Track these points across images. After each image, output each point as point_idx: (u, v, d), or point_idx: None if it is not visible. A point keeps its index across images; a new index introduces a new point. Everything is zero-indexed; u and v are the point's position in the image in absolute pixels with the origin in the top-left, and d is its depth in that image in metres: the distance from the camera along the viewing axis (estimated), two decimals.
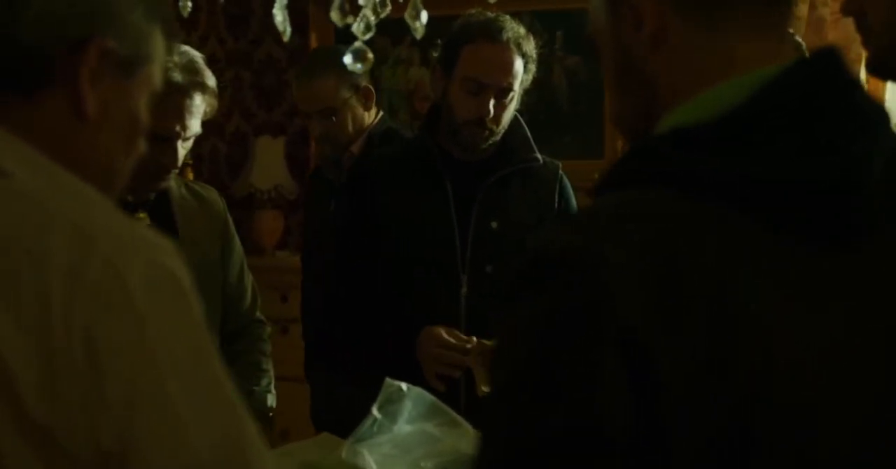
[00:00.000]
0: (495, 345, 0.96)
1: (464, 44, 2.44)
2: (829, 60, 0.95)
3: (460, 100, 2.45)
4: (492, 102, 2.43)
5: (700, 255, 0.87)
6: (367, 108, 2.84)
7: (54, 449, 0.96)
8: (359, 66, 1.74)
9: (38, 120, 1.07)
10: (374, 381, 2.07)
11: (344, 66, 2.82)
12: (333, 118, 2.74)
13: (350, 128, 2.77)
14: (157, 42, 1.17)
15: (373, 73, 5.04)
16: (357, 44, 1.73)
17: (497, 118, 2.46)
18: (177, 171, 2.24)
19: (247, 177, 5.04)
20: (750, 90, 0.93)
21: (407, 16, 1.70)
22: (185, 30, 4.93)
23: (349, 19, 1.73)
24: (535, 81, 2.54)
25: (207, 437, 1.00)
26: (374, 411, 1.99)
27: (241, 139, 5.17)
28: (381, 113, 3.07)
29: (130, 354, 0.98)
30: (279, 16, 1.71)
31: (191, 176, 4.03)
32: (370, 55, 1.75)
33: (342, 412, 2.28)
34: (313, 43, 4.88)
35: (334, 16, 1.64)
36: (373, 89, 2.88)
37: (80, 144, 1.10)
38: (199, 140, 2.30)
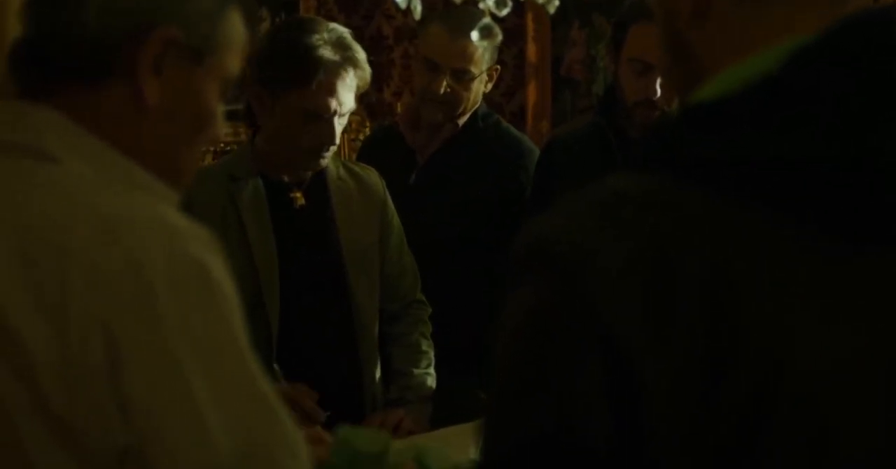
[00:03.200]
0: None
1: (629, 24, 2.41)
2: (879, 24, 0.82)
3: (629, 81, 2.41)
4: (659, 81, 2.36)
5: (701, 253, 0.77)
6: (487, 88, 2.75)
7: (73, 439, 0.96)
8: (485, 43, 1.68)
9: (100, 107, 1.07)
10: None
11: (495, 35, 2.74)
12: (465, 82, 2.65)
13: (472, 99, 2.69)
14: (232, 28, 1.14)
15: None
16: (486, 20, 1.67)
17: (668, 97, 2.37)
18: (335, 148, 2.25)
19: None
20: (780, 60, 0.81)
21: None
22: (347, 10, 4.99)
23: None
24: None
25: (231, 436, 0.98)
26: None
27: None
28: None
29: (150, 351, 0.96)
30: None
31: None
32: (497, 32, 1.68)
33: None
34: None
35: None
36: (499, 69, 2.79)
37: (143, 132, 1.10)
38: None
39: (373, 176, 2.42)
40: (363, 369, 2.33)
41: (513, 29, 4.86)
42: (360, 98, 4.81)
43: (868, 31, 0.81)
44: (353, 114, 4.67)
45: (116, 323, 0.95)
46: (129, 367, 0.95)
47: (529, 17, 4.83)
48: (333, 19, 5.10)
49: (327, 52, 2.13)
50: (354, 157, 3.41)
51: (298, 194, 2.26)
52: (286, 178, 2.26)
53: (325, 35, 2.15)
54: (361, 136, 4.32)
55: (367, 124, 4.70)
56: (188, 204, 2.02)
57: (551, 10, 1.75)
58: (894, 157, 0.76)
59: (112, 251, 0.97)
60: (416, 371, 2.40)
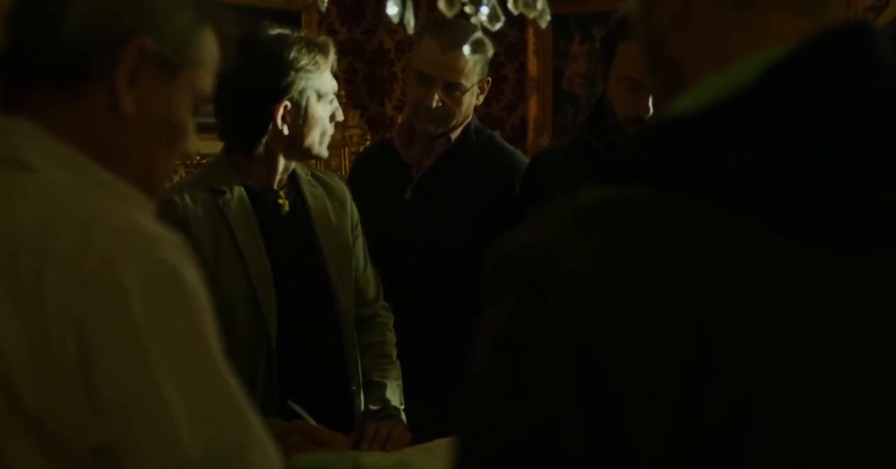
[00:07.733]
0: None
1: (618, 41, 2.36)
2: (855, 37, 0.83)
3: (619, 98, 2.38)
4: (651, 100, 2.34)
5: (684, 260, 0.77)
6: (479, 101, 2.77)
7: (48, 437, 0.98)
8: (476, 57, 1.69)
9: (77, 116, 1.09)
10: None
11: (486, 49, 2.75)
12: (456, 95, 2.67)
13: (463, 111, 2.70)
14: (206, 46, 1.16)
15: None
16: (478, 34, 1.69)
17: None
18: None
19: None
20: (758, 71, 0.82)
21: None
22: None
23: (467, 8, 1.67)
24: None
25: (202, 437, 1.00)
26: None
27: None
28: None
29: (124, 353, 0.98)
30: (393, 8, 1.67)
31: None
32: (489, 47, 1.70)
33: None
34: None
35: (442, 5, 1.59)
36: (490, 82, 2.80)
37: (118, 141, 1.11)
38: None
39: (337, 182, 2.45)
40: (349, 374, 2.35)
41: (514, 43, 4.89)
42: (362, 111, 4.80)
43: (844, 44, 0.82)
44: (354, 127, 4.72)
45: (90, 322, 0.97)
46: (100, 366, 0.97)
47: (531, 31, 4.86)
48: (335, 33, 5.13)
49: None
50: None
51: (284, 201, 2.28)
52: (275, 186, 2.27)
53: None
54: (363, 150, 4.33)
55: (369, 138, 4.72)
56: (184, 222, 2.06)
57: (543, 24, 1.76)
58: (876, 165, 0.77)
59: (88, 253, 0.99)
60: (390, 383, 2.41)
